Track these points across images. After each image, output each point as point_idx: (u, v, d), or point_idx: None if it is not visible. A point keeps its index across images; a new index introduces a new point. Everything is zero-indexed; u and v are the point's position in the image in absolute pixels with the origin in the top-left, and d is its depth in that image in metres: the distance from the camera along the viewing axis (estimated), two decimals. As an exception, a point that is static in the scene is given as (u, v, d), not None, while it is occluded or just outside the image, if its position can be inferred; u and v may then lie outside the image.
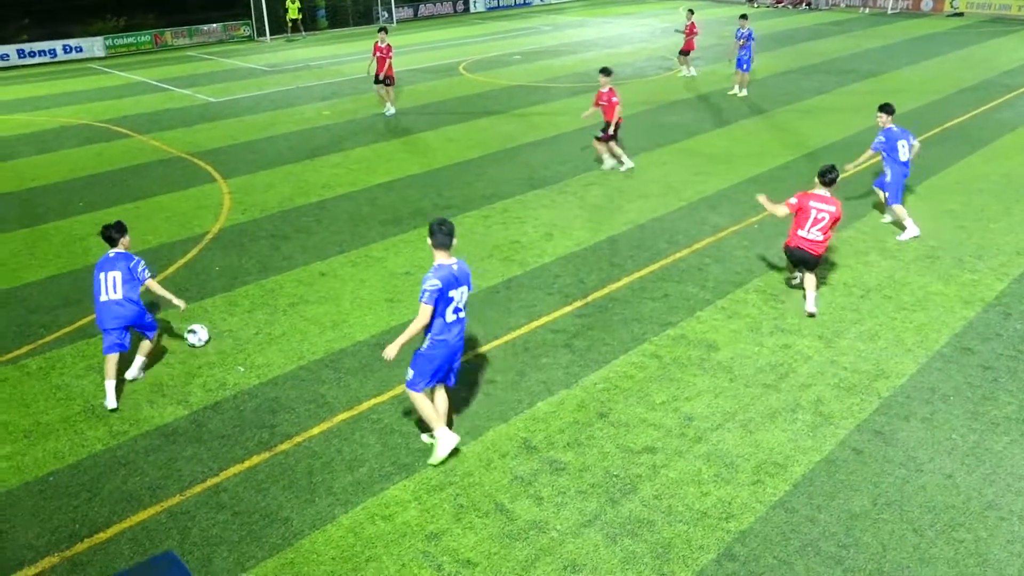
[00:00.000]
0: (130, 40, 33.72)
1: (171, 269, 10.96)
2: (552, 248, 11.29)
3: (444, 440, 6.81)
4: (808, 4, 41.37)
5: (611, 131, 14.24)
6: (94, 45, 32.66)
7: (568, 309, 9.53)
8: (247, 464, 6.97)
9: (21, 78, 27.97)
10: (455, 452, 6.94)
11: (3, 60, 30.63)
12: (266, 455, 7.09)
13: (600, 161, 14.94)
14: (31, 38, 32.52)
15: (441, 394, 6.98)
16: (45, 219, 13.12)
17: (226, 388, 8.14)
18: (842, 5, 41.22)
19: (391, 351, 6.46)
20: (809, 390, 7.84)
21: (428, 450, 7.03)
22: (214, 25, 36.06)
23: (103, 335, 7.94)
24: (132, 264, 7.97)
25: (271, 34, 35.90)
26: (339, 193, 13.88)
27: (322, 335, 9.09)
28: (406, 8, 42.09)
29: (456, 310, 6.53)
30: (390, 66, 19.02)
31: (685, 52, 23.22)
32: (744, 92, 20.70)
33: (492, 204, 13.11)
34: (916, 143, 11.33)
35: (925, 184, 13.55)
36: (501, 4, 46.64)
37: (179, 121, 19.85)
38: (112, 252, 8.07)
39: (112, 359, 7.85)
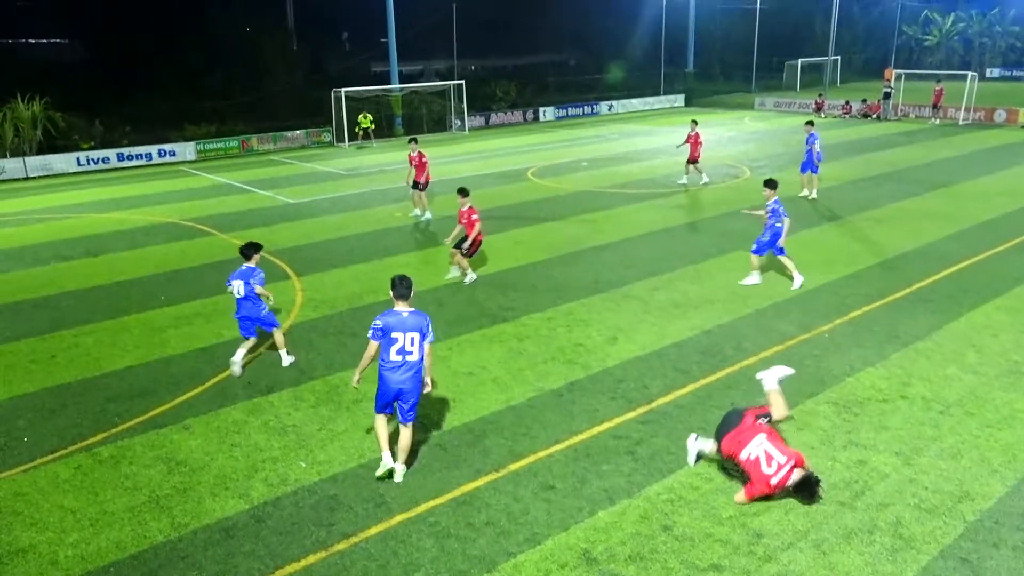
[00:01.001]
0: (219, 145, 35.94)
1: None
2: (616, 352, 11.21)
3: (384, 464, 8.13)
4: (876, 115, 41.55)
5: (469, 248, 14.54)
6: (186, 149, 34.90)
7: (632, 415, 9.37)
8: (303, 563, 6.91)
9: (119, 179, 29.93)
10: (390, 475, 8.11)
11: (104, 163, 32.91)
12: (322, 554, 7.02)
13: (454, 269, 15.05)
14: (131, 143, 35.03)
15: (403, 433, 8.14)
16: (128, 311, 13.74)
17: (287, 483, 8.17)
18: (911, 116, 41.27)
19: (353, 379, 8.03)
20: (887, 510, 7.42)
21: (483, 558, 6.89)
22: (297, 132, 38.22)
23: (238, 322, 10.92)
24: (254, 276, 10.72)
25: (350, 140, 37.77)
26: (407, 292, 14.14)
27: (384, 433, 9.10)
28: (478, 116, 43.95)
29: (400, 351, 7.74)
30: (427, 173, 19.89)
31: (692, 161, 23.40)
32: (814, 194, 21.12)
33: (557, 306, 13.18)
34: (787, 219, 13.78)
35: (1007, 295, 13.08)
36: (570, 114, 48.28)
37: (259, 220, 20.80)
38: (244, 266, 10.79)
39: (244, 342, 10.93)
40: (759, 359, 10.80)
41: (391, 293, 7.84)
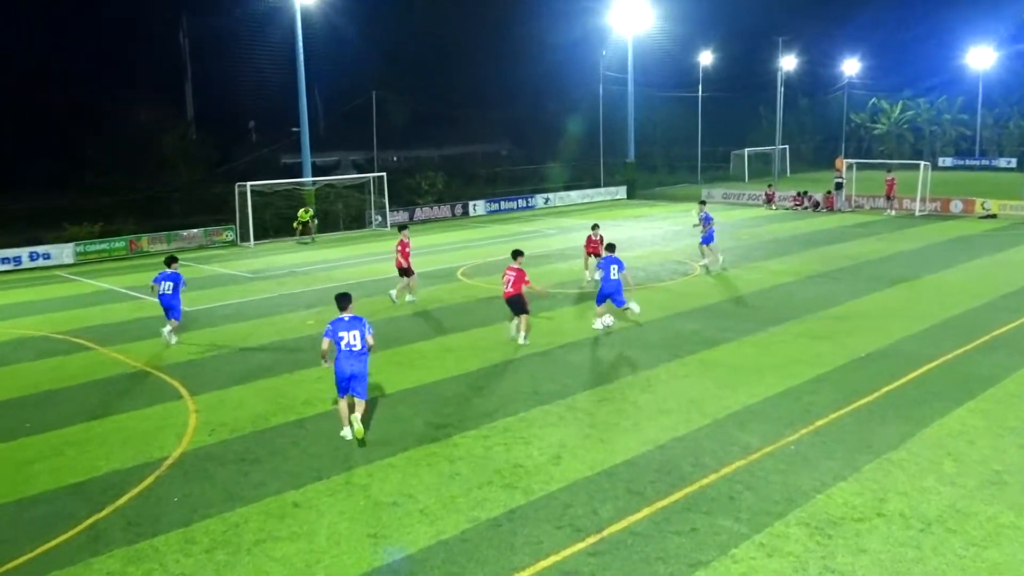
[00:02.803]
0: (103, 246, 35.34)
1: (122, 500, 10.68)
2: (561, 473, 11.08)
3: (345, 432, 12.48)
4: (828, 207, 43.64)
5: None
6: (63, 252, 34.14)
7: (581, 546, 9.18)
8: None
9: (-19, 286, 28.93)
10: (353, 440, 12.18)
11: (-37, 268, 31.93)
12: None
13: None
14: (-3, 245, 34.12)
15: (358, 404, 12.38)
16: (-14, 442, 13.02)
17: (174, 646, 7.65)
18: (866, 207, 43.48)
19: (323, 362, 12.79)
20: (872, 646, 7.34)
21: None
22: (195, 230, 37.92)
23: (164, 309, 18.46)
24: (180, 280, 18.43)
25: (255, 239, 37.61)
26: (321, 411, 13.85)
27: (292, 579, 8.69)
28: (401, 211, 44.53)
29: (348, 345, 12.17)
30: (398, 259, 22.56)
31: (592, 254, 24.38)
32: (720, 258, 26.48)
33: (493, 422, 13.05)
34: (625, 271, 18.26)
35: (980, 398, 13.54)
36: (503, 208, 49.40)
37: (148, 331, 20.24)
38: (169, 270, 18.33)
39: (167, 321, 18.49)
40: (720, 476, 10.81)
41: (338, 306, 12.56)
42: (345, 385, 12.33)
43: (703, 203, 29.47)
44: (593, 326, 18.60)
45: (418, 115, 61.11)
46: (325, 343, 12.36)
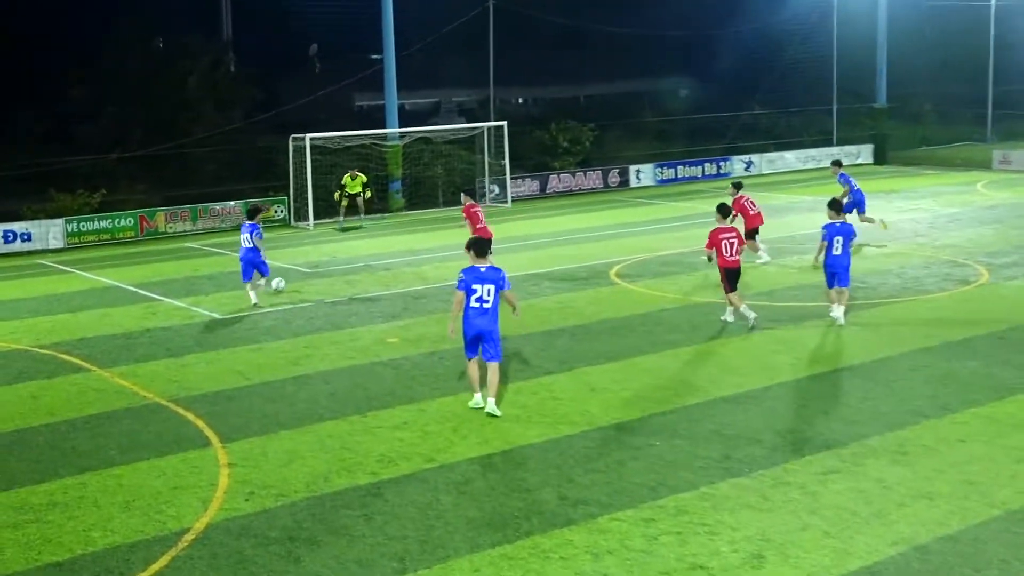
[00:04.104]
0: (103, 224, 36.67)
1: (124, 588, 11.12)
2: (764, 582, 10.93)
3: (475, 400, 16.05)
4: None
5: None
6: (49, 232, 35.62)
7: None
8: None
9: (-61, 278, 30.69)
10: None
11: (-88, 252, 33.93)
12: None
13: None
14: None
15: (490, 370, 15.72)
16: (-60, 497, 13.78)
17: None
18: None
19: (449, 329, 16.10)
20: None
21: None
22: (231, 203, 38.84)
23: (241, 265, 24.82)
24: (253, 231, 24.24)
25: (316, 217, 38.39)
26: (405, 471, 14.07)
27: None
28: (528, 180, 44.72)
29: (479, 300, 15.18)
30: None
31: (750, 234, 26.20)
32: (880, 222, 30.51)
33: (659, 500, 12.97)
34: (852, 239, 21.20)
35: None
36: (680, 175, 49.13)
37: (163, 348, 21.07)
38: (248, 223, 24.67)
39: (248, 285, 24.75)
40: (1017, 599, 10.42)
41: (470, 253, 15.62)
42: (474, 343, 15.57)
43: (838, 164, 32.76)
44: (831, 314, 21.10)
45: (555, 37, 61.18)
46: (458, 296, 15.39)
